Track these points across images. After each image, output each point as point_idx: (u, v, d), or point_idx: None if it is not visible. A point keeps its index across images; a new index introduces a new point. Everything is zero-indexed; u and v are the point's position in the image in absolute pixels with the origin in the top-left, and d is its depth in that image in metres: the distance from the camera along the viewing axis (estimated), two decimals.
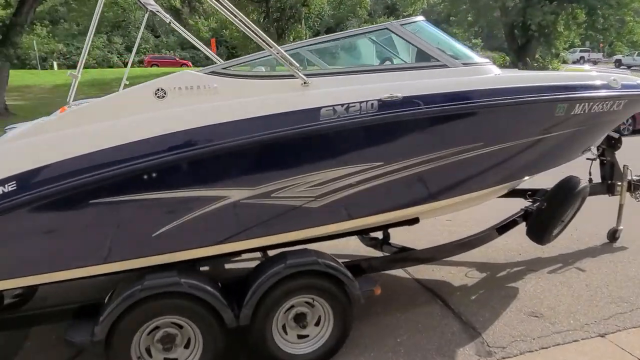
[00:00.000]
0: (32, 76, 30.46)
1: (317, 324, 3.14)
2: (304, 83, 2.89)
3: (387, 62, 3.61)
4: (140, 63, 40.14)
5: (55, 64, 38.97)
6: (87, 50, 2.82)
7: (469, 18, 34.38)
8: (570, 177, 4.24)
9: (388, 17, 62.25)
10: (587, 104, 3.53)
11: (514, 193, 4.52)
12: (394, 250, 4.02)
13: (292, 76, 2.90)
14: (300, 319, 3.09)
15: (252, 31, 2.93)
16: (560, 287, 4.21)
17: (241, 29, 2.93)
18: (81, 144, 2.52)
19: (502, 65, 27.05)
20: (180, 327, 2.83)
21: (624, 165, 4.99)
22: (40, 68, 37.38)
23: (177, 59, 42.46)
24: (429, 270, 4.60)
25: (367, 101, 2.90)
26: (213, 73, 2.83)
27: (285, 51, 2.91)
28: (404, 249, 3.98)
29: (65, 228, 2.58)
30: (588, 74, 4.01)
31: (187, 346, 2.86)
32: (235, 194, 2.77)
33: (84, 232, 2.59)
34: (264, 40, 2.79)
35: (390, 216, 3.33)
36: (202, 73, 2.83)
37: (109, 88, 21.84)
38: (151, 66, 39.92)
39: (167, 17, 4.87)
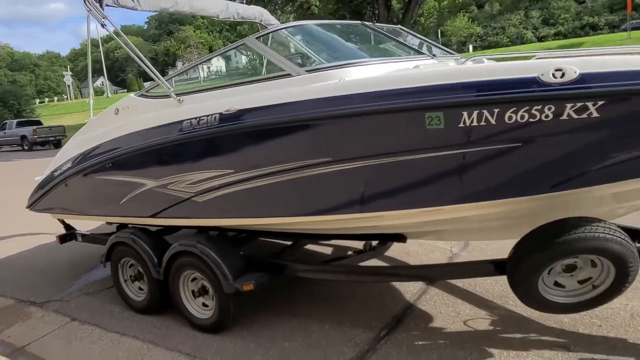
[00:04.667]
0: None
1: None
2: (179, 101, 3.53)
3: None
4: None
5: (471, 47, 42.41)
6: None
7: None
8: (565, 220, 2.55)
9: None
10: (489, 111, 2.28)
11: None
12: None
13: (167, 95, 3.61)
14: (204, 292, 3.76)
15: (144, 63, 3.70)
16: None
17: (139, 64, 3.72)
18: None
19: None
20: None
21: None
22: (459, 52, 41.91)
23: None
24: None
25: (211, 115, 3.23)
26: (142, 96, 3.90)
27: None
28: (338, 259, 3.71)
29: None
30: (494, 65, 2.37)
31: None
32: (149, 183, 3.78)
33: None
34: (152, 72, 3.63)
35: (262, 222, 3.43)
36: (135, 96, 3.96)
37: None
38: None
39: None
